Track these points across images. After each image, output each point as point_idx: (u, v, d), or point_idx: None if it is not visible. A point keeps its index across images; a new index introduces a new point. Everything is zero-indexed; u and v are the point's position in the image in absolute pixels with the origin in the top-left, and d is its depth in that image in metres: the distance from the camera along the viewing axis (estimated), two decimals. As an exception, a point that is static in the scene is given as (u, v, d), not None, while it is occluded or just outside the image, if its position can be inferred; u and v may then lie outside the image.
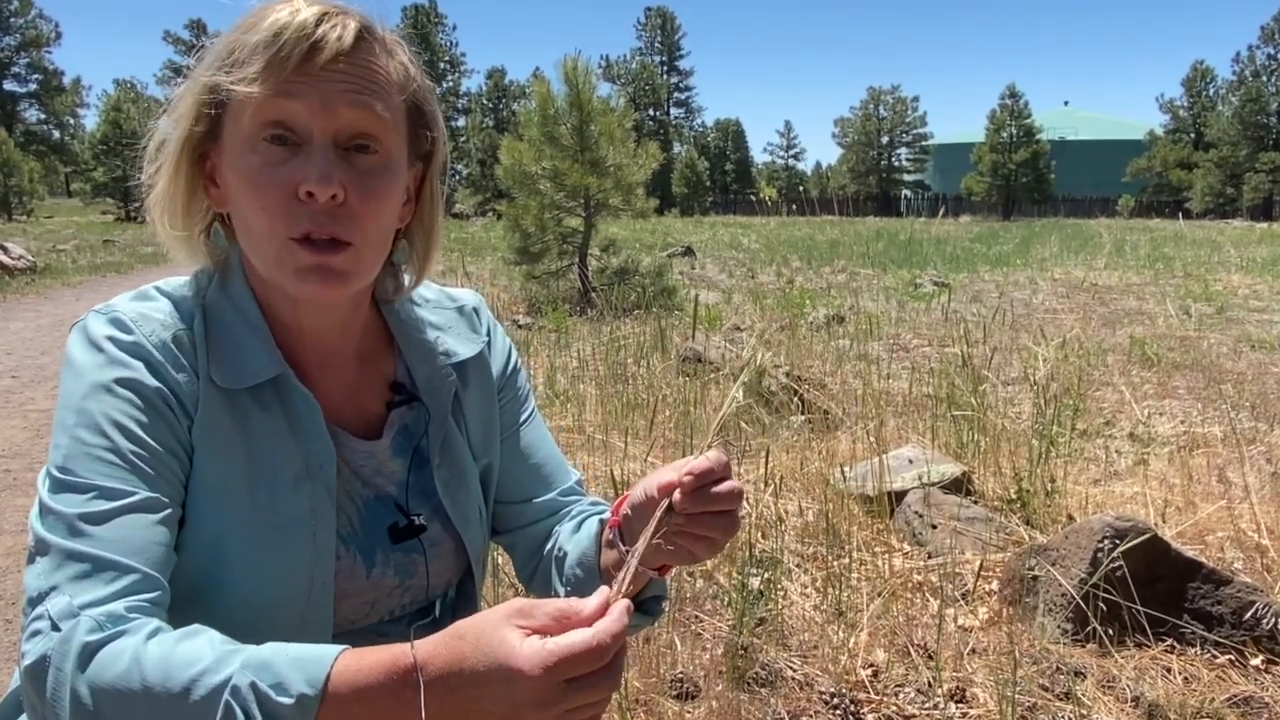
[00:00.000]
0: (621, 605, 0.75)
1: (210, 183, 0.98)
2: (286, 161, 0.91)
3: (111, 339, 0.92)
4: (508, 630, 0.73)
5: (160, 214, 0.99)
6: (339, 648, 0.77)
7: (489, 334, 1.19)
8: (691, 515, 0.89)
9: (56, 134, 57.51)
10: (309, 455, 0.98)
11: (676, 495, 0.89)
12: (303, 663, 0.75)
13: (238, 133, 0.92)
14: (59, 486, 0.86)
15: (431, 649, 0.75)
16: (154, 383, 0.91)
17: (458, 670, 0.73)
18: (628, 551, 0.90)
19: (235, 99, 0.91)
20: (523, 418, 1.20)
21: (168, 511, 0.89)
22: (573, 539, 1.12)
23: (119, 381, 0.90)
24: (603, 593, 0.77)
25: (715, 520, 0.90)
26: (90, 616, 0.79)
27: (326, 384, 1.03)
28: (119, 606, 0.81)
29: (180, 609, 0.87)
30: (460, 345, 1.14)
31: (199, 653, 0.77)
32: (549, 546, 1.16)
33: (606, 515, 1.10)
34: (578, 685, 0.72)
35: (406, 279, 1.10)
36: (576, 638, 0.72)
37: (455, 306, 1.18)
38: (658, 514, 0.89)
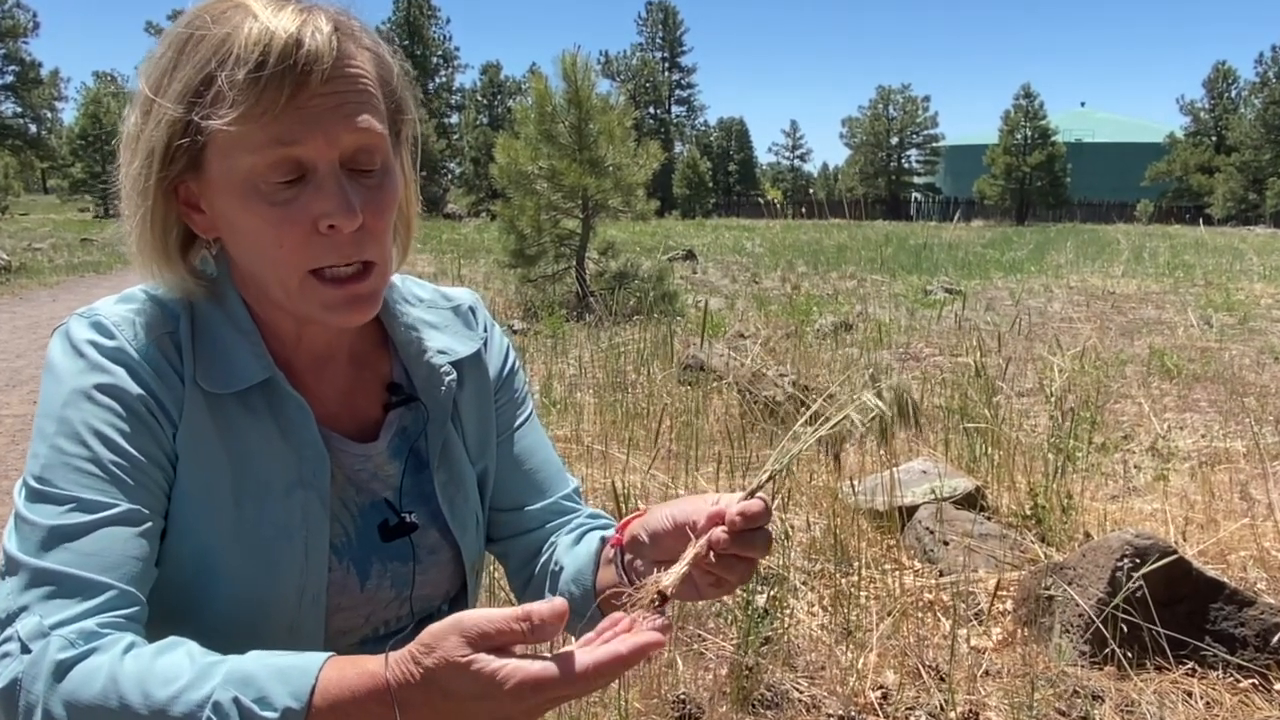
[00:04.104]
0: (615, 646, 0.75)
1: (189, 209, 0.95)
2: (297, 196, 0.89)
3: (93, 343, 0.92)
4: (480, 664, 0.73)
5: (141, 255, 0.96)
6: (323, 656, 0.77)
7: (486, 332, 1.19)
8: (720, 554, 0.89)
9: (33, 128, 57.47)
10: (302, 462, 0.98)
11: (720, 532, 0.88)
12: (286, 674, 0.76)
13: (232, 170, 0.89)
14: (36, 497, 0.86)
15: (403, 671, 0.75)
16: (136, 389, 0.91)
17: (435, 692, 0.74)
18: (625, 584, 0.92)
19: (218, 135, 0.88)
20: (519, 421, 1.20)
21: (148, 524, 0.89)
22: (571, 553, 1.11)
23: (100, 388, 0.90)
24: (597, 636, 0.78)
25: (736, 564, 0.90)
26: (61, 635, 0.79)
27: (320, 387, 1.03)
28: (91, 623, 0.81)
29: (164, 621, 0.87)
30: (457, 343, 1.14)
31: (178, 668, 0.77)
32: (545, 557, 1.15)
33: (608, 530, 1.09)
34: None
35: (392, 262, 1.11)
36: (563, 691, 0.73)
37: (451, 306, 1.18)
38: (699, 543, 0.88)
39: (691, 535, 0.91)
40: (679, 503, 0.96)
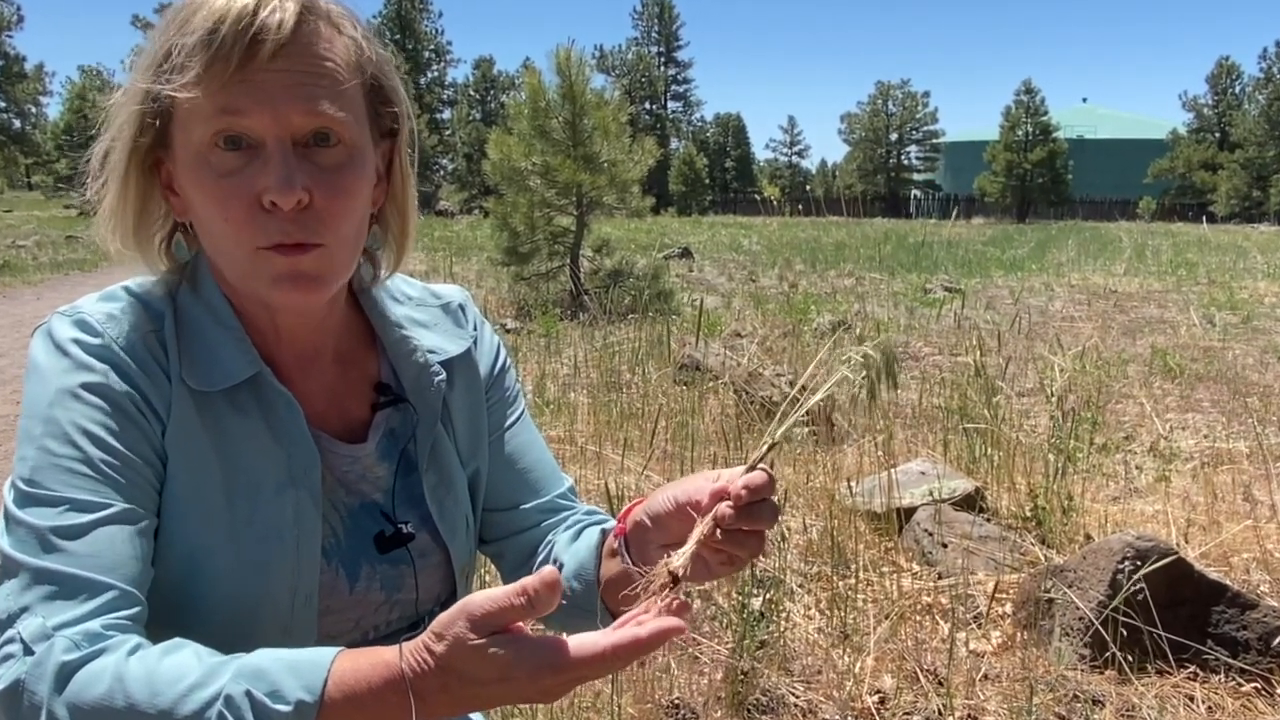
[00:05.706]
0: (639, 631, 0.76)
1: (169, 191, 0.96)
2: (244, 168, 0.89)
3: (77, 342, 0.91)
4: (494, 647, 0.74)
5: (111, 231, 0.97)
6: (334, 650, 0.78)
7: (476, 330, 1.19)
8: (726, 530, 0.90)
9: (17, 123, 57.18)
10: (292, 460, 0.98)
11: (725, 507, 0.89)
12: (298, 667, 0.76)
13: (188, 143, 0.90)
14: (27, 500, 0.86)
15: (418, 660, 0.76)
16: (123, 387, 0.91)
17: (451, 678, 0.75)
18: (638, 570, 0.92)
19: (179, 107, 0.89)
20: (511, 420, 1.20)
21: (144, 523, 0.89)
22: (570, 549, 1.11)
23: (86, 387, 0.89)
24: (606, 633, 0.78)
25: (746, 539, 0.91)
26: (66, 636, 0.79)
27: (307, 386, 1.03)
28: (96, 625, 0.81)
29: (156, 623, 0.87)
30: (446, 342, 1.14)
31: (185, 667, 0.77)
32: (542, 556, 1.15)
33: (608, 524, 1.09)
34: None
35: (384, 263, 1.10)
36: (580, 672, 0.76)
37: (440, 303, 1.18)
38: (705, 521, 0.89)
39: (695, 514, 0.91)
40: (679, 483, 0.96)
